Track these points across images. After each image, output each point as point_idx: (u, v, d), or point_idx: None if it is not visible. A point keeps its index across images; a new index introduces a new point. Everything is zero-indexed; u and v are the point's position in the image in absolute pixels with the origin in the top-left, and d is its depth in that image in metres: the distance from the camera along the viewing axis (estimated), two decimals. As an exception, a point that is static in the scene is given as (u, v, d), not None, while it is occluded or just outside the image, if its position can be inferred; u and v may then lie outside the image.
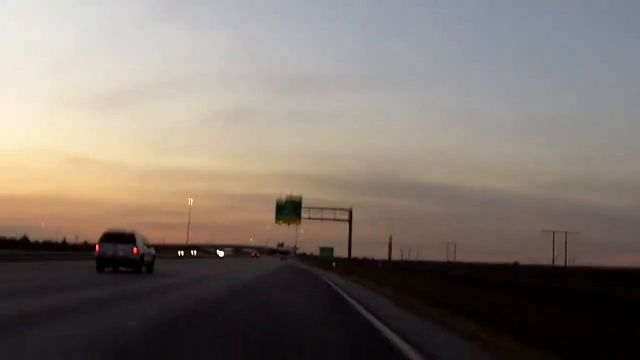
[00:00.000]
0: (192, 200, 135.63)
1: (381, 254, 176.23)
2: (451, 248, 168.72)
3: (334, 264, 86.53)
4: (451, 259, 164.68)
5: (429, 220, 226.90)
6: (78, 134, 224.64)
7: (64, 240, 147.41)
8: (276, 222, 79.13)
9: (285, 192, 79.43)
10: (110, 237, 31.39)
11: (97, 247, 31.31)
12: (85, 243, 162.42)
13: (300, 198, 78.89)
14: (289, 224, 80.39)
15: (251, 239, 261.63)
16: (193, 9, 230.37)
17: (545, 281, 50.61)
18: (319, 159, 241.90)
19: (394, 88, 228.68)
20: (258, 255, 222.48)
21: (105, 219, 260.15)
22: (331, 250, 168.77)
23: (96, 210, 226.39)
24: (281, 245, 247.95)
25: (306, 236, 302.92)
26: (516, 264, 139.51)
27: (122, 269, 31.10)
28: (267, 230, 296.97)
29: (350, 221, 79.08)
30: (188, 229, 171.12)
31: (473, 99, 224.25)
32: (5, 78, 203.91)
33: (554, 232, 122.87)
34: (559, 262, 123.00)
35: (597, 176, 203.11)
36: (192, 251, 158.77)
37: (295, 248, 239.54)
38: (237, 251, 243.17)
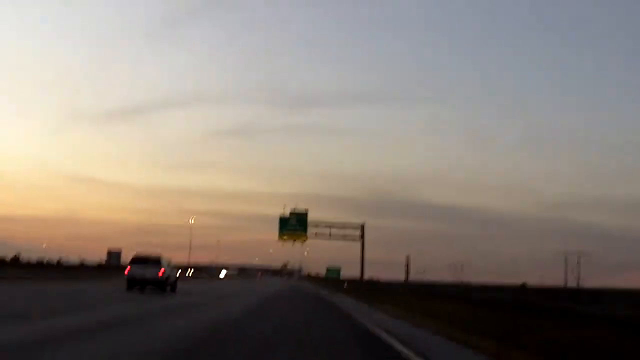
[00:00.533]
0: (193, 219, 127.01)
1: (385, 275, 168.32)
2: (459, 269, 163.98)
3: (345, 284, 78.95)
4: (457, 280, 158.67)
5: (433, 241, 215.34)
6: (82, 152, 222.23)
7: (59, 261, 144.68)
8: (279, 239, 71.01)
9: (289, 206, 71.09)
10: (139, 260, 35.12)
11: (127, 268, 34.91)
12: (82, 264, 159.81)
13: (307, 212, 70.98)
14: (294, 241, 72.24)
15: (256, 259, 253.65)
16: (196, 25, 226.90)
17: (576, 304, 44.47)
18: (324, 178, 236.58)
19: (401, 105, 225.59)
20: (261, 275, 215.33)
21: (109, 240, 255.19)
22: (338, 270, 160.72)
23: (100, 231, 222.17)
24: (285, 265, 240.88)
25: (311, 257, 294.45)
26: (524, 286, 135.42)
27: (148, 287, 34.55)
28: (271, 252, 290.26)
29: (362, 238, 71.09)
30: (190, 248, 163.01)
31: (482, 116, 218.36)
32: (8, 95, 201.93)
33: (566, 253, 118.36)
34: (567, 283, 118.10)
35: (605, 195, 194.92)
36: (187, 272, 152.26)
37: (300, 269, 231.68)
38: (242, 272, 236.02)
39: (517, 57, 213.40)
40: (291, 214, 70.39)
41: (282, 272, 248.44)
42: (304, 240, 71.42)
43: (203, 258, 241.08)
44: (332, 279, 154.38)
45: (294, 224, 70.39)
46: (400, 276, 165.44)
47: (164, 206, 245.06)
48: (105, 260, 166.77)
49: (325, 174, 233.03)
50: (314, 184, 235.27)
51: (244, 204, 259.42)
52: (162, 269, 34.79)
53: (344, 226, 71.36)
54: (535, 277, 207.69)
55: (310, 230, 70.90)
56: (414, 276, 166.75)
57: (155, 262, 35.24)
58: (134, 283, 34.53)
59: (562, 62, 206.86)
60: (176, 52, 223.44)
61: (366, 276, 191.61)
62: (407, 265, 72.85)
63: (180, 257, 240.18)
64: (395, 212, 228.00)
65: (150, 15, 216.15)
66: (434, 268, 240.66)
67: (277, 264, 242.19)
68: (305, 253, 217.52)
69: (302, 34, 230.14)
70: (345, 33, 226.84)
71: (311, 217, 71.02)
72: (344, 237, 71.16)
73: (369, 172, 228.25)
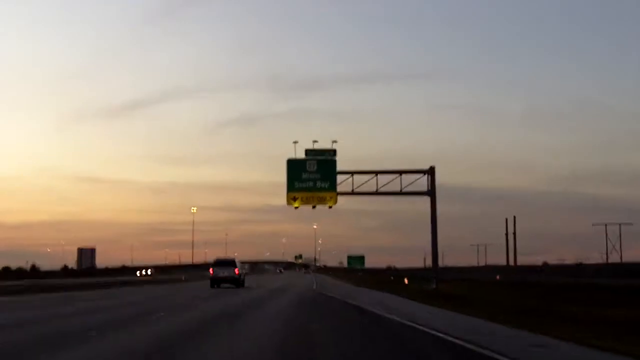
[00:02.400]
0: (195, 210, 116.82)
1: (403, 262, 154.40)
2: (482, 251, 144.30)
3: (406, 280, 49.67)
4: (482, 262, 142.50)
5: (445, 223, 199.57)
6: (85, 151, 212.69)
7: (33, 266, 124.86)
8: (288, 202, 40.62)
9: (304, 142, 40.45)
10: (219, 263, 45.30)
11: (210, 270, 44.74)
12: (66, 267, 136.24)
13: (334, 153, 40.52)
14: (314, 206, 41.60)
15: (268, 254, 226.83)
16: (194, 15, 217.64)
17: None
18: None
19: (404, 84, 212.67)
20: (282, 270, 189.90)
21: (118, 241, 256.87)
22: (361, 258, 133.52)
23: (108, 232, 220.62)
24: (299, 257, 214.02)
25: (322, 247, 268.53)
26: (546, 265, 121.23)
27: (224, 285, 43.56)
28: (284, 241, 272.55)
29: (432, 190, 40.67)
30: (193, 244, 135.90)
31: (485, 91, 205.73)
32: (7, 97, 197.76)
33: (606, 225, 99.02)
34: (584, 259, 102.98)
35: (615, 167, 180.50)
36: (143, 271, 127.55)
37: (315, 260, 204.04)
38: (253, 267, 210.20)
39: (518, 29, 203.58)
40: (308, 152, 39.92)
41: (296, 266, 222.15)
42: (332, 204, 40.83)
43: (212, 255, 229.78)
44: (356, 269, 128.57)
45: (313, 175, 40.02)
46: (418, 263, 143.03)
47: (170, 203, 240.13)
48: (77, 262, 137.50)
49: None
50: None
51: (252, 195, 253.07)
52: (237, 269, 44.38)
53: (400, 171, 40.90)
54: (554, 255, 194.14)
55: (341, 187, 40.65)
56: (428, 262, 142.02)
57: (232, 263, 45.34)
58: (215, 282, 43.62)
59: (565, 32, 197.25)
60: (174, 43, 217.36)
61: (383, 264, 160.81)
62: (512, 235, 42.19)
63: (189, 255, 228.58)
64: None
65: (147, 7, 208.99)
66: (451, 251, 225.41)
67: (288, 256, 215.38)
68: (320, 241, 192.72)
69: (301, 18, 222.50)
70: (345, 14, 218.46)
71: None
72: (402, 192, 40.65)
73: (376, 154, 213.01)
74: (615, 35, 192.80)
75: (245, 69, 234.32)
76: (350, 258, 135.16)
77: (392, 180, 40.59)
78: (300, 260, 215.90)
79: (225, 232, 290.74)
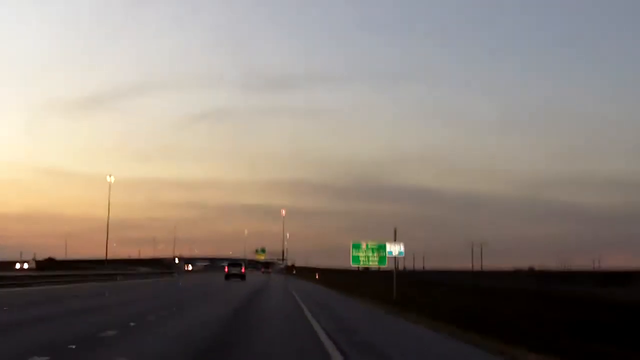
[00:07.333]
0: (112, 177, 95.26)
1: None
2: (477, 251, 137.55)
3: None
4: (476, 265, 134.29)
5: (421, 226, 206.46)
6: (54, 145, 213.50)
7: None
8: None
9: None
10: (231, 263, 77.83)
11: (226, 268, 75.13)
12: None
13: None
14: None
15: (231, 252, 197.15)
16: (166, 8, 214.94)
17: None
18: (302, 162, 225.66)
19: (377, 87, 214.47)
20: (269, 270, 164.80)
21: (80, 236, 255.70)
22: (381, 249, 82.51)
23: (76, 226, 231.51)
24: (261, 251, 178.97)
25: (292, 243, 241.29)
26: (532, 270, 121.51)
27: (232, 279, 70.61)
28: (246, 233, 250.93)
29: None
30: (107, 234, 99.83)
31: (458, 96, 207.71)
32: None
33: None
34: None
35: (583, 173, 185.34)
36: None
37: (283, 258, 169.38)
38: (211, 265, 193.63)
39: (491, 36, 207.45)
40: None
41: (257, 263, 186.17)
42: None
43: (169, 252, 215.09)
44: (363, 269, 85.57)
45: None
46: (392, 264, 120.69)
47: (138, 199, 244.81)
48: None
49: (303, 157, 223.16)
50: (292, 168, 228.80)
51: (219, 193, 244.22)
52: (243, 268, 74.16)
53: None
54: (530, 261, 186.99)
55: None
56: (408, 264, 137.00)
57: (240, 264, 76.51)
58: (228, 276, 70.62)
59: (537, 39, 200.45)
60: (146, 37, 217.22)
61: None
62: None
63: (150, 251, 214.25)
64: (375, 196, 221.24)
65: (119, 0, 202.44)
66: (426, 254, 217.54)
67: (251, 253, 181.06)
68: (287, 235, 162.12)
69: (275, 14, 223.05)
70: (320, 13, 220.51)
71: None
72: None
73: (349, 155, 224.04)
74: (588, 42, 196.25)
75: (217, 65, 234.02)
76: (356, 245, 77.12)
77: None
78: (262, 256, 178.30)
79: (196, 228, 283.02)
